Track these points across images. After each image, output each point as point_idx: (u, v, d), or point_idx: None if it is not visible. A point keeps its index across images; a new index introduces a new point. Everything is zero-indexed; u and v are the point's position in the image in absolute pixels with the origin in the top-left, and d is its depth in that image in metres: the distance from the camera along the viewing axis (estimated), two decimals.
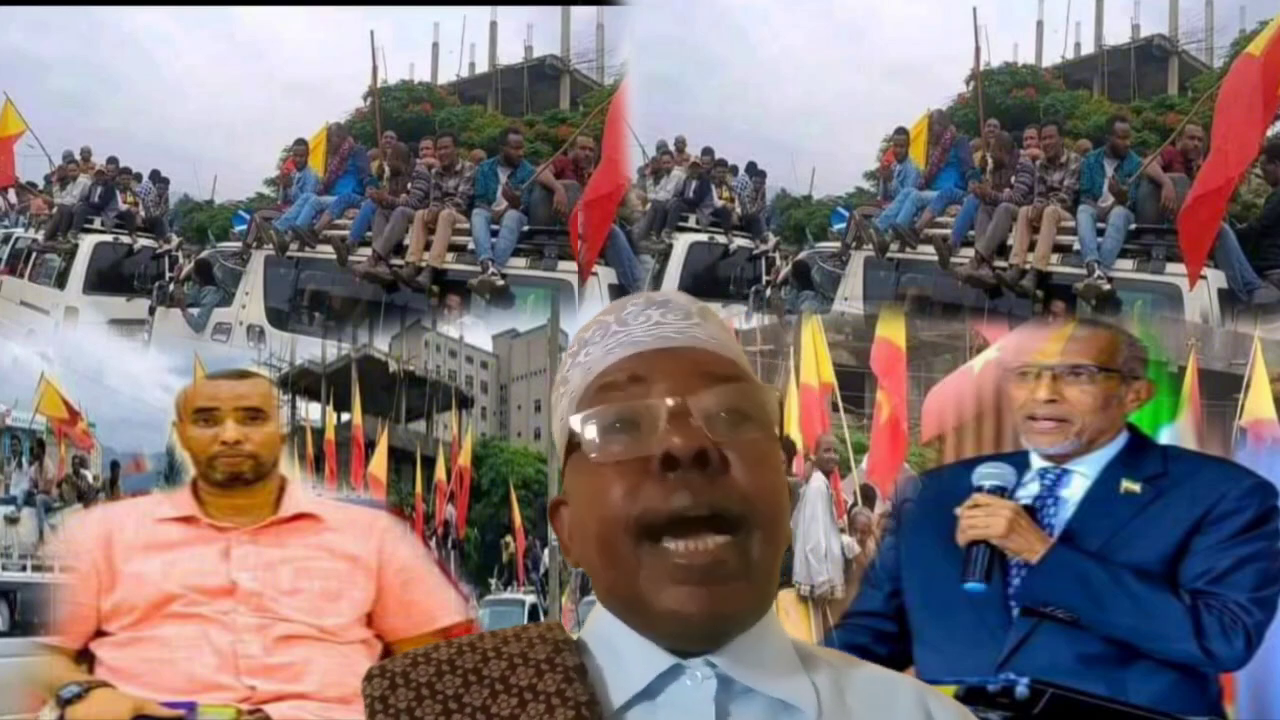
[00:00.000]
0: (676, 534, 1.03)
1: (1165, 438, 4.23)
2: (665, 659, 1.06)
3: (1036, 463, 2.40)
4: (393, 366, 17.65)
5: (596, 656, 1.08)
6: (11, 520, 12.90)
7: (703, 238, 10.47)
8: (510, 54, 12.13)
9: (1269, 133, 8.57)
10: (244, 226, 10.97)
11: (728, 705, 1.06)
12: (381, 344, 14.08)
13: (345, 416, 16.51)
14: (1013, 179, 9.46)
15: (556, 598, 12.28)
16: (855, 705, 1.09)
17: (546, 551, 14.39)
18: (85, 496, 13.33)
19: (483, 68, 12.27)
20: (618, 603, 1.08)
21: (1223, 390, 9.86)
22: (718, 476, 1.04)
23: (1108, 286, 8.92)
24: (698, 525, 1.03)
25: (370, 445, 15.54)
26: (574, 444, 1.10)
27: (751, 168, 10.91)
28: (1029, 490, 2.37)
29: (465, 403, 21.21)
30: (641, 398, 1.06)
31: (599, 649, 1.09)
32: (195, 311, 10.89)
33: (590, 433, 1.07)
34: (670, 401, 1.05)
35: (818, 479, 7.91)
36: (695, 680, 1.06)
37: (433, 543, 15.21)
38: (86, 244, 11.19)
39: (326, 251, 10.33)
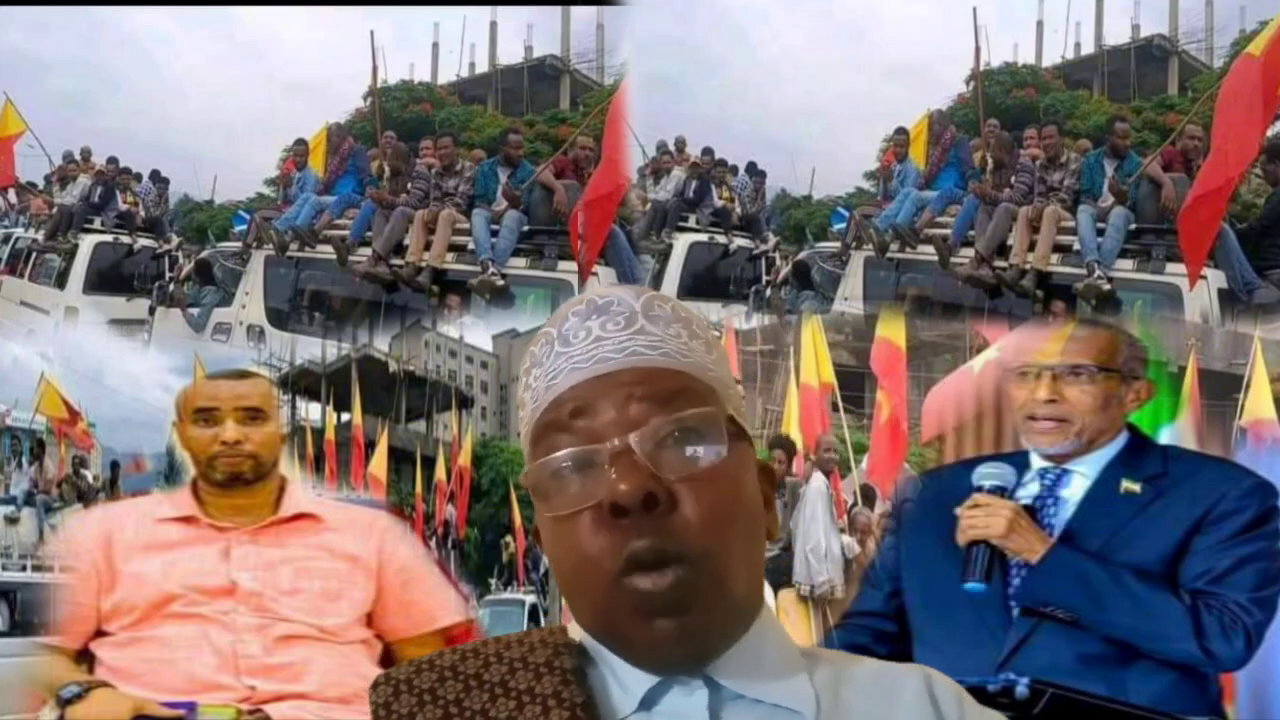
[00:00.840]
0: (641, 570, 1.03)
1: (1165, 438, 4.23)
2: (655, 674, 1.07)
3: (1036, 463, 2.40)
4: (393, 366, 17.63)
5: (595, 661, 1.09)
6: (11, 520, 12.90)
7: (703, 238, 10.47)
8: (510, 54, 12.16)
9: (1269, 133, 8.57)
10: (244, 226, 10.97)
11: (721, 710, 1.06)
12: (381, 344, 14.07)
13: (345, 416, 16.51)
14: (1013, 179, 9.46)
15: (556, 598, 12.28)
16: (857, 699, 1.09)
17: None
18: (85, 496, 13.32)
19: (483, 68, 12.29)
20: (595, 632, 1.08)
21: (1223, 390, 9.86)
22: (668, 515, 1.03)
23: (1108, 286, 8.92)
24: (659, 560, 1.03)
25: (370, 445, 15.54)
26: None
27: (751, 168, 10.91)
28: (1029, 490, 2.37)
29: (465, 403, 21.19)
30: (585, 432, 1.05)
31: (596, 655, 1.10)
32: (195, 311, 10.90)
33: (541, 487, 1.07)
34: (613, 443, 1.04)
35: (818, 479, 7.90)
36: (688, 689, 1.06)
37: (433, 543, 15.20)
38: (86, 244, 11.20)
39: (326, 251, 10.33)
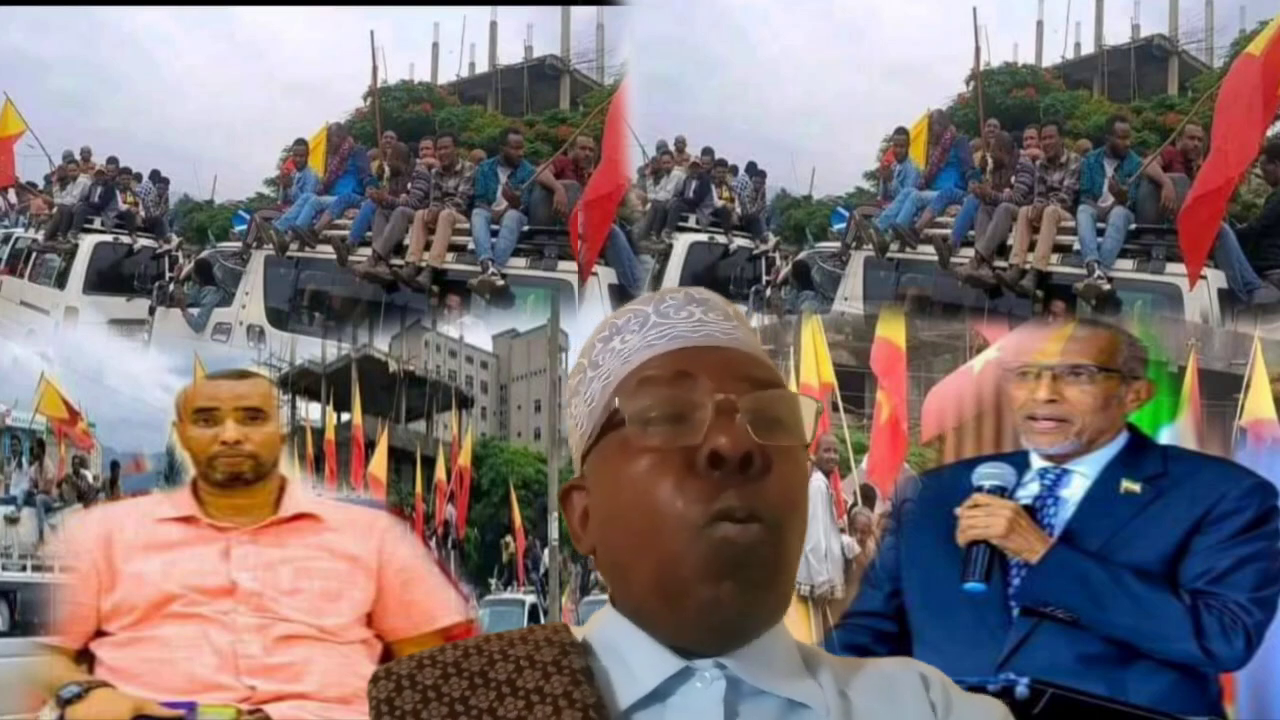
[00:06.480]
0: (731, 521, 1.03)
1: (1165, 438, 4.23)
2: (675, 662, 1.05)
3: (1036, 463, 2.40)
4: (393, 366, 17.67)
5: (603, 659, 1.08)
6: (11, 520, 12.91)
7: (703, 238, 10.47)
8: (510, 54, 12.15)
9: (1269, 133, 8.57)
10: (244, 226, 10.98)
11: (736, 706, 1.05)
12: (381, 344, 14.10)
13: (345, 416, 16.53)
14: (1013, 179, 9.46)
15: (556, 598, 12.30)
16: (863, 700, 1.10)
17: (546, 551, 14.40)
18: (85, 496, 13.34)
19: (483, 68, 12.28)
20: (647, 592, 1.06)
21: (1223, 390, 9.86)
22: (759, 479, 1.04)
23: (1108, 286, 8.92)
24: (749, 517, 1.04)
25: (370, 445, 15.55)
26: (608, 427, 1.09)
27: (751, 168, 10.91)
28: (1029, 490, 2.37)
29: (465, 403, 21.22)
30: (688, 388, 1.07)
31: (605, 653, 1.08)
32: (195, 311, 10.90)
33: (635, 416, 1.07)
34: (719, 396, 1.05)
35: (818, 479, 7.89)
36: (705, 682, 1.05)
37: (433, 543, 15.22)
38: (86, 244, 11.20)
39: (326, 251, 10.33)
